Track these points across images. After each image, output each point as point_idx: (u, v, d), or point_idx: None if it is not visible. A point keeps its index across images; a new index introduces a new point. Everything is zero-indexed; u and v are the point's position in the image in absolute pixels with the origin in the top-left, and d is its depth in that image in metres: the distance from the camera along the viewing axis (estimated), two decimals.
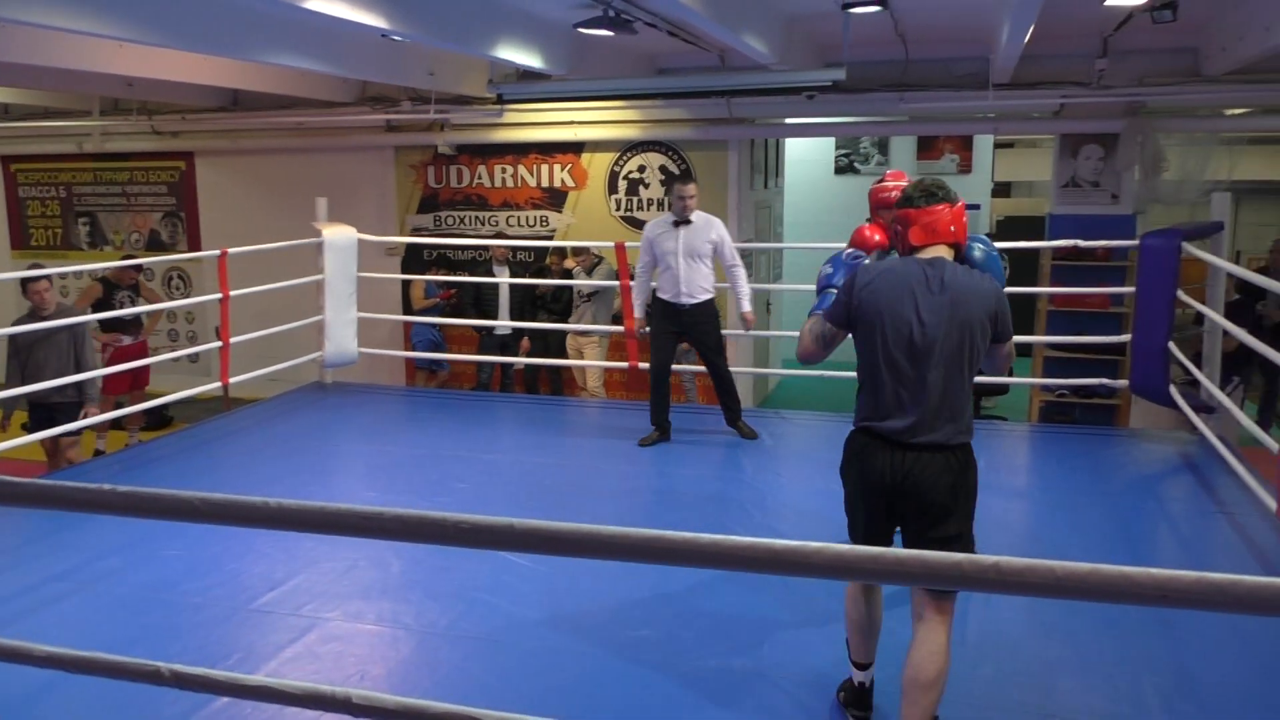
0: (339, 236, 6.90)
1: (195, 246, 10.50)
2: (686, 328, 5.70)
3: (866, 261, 3.03)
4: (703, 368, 8.76)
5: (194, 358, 9.46)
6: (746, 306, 5.77)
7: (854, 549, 1.44)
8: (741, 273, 5.76)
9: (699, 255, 5.61)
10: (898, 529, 2.83)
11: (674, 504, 4.88)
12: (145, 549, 4.15)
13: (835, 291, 2.89)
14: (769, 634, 3.43)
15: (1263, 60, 6.51)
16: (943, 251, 2.75)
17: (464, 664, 3.24)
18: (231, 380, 6.30)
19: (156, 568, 3.99)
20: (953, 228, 2.77)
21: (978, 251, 2.90)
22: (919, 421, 2.64)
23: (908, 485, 2.67)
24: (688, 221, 5.60)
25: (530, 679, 3.16)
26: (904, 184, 3.19)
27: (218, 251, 6.29)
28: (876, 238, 3.38)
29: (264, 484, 5.10)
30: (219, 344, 6.32)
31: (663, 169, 8.98)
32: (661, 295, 5.69)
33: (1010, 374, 9.49)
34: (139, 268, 8.28)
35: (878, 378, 2.71)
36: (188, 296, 10.52)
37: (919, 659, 2.61)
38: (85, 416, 5.86)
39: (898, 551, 1.41)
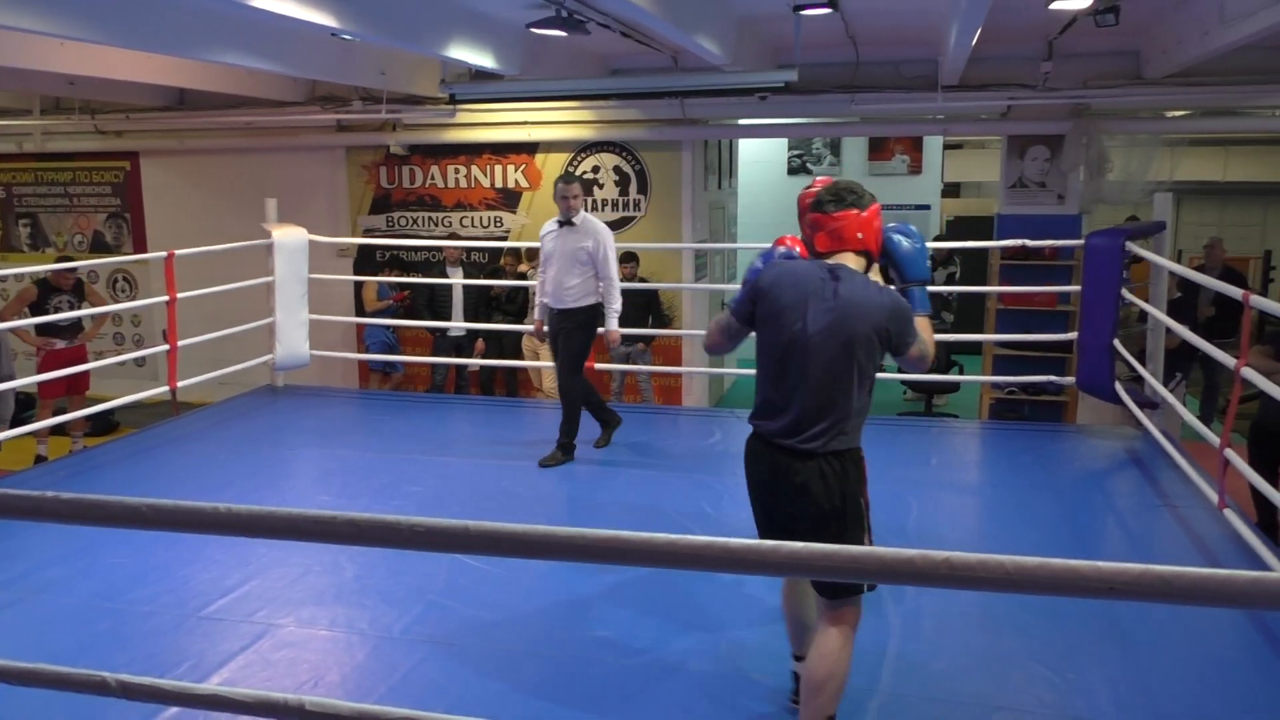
0: (289, 238, 6.81)
1: (141, 248, 10.30)
2: (556, 333, 5.47)
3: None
4: (660, 367, 8.77)
5: (141, 361, 9.28)
6: (612, 324, 5.49)
7: (809, 547, 1.45)
8: (614, 289, 5.44)
9: (574, 260, 5.34)
10: None
11: (630, 505, 4.88)
12: (90, 557, 4.06)
13: None
14: (726, 633, 3.44)
15: (1202, 63, 6.68)
16: (848, 258, 2.71)
17: (420, 668, 3.21)
18: (180, 384, 6.18)
19: (102, 576, 3.90)
20: (860, 234, 2.71)
21: (905, 244, 2.84)
22: (792, 425, 2.64)
23: (781, 490, 2.69)
24: (570, 223, 5.38)
25: (487, 681, 3.15)
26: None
27: (164, 253, 6.17)
28: (797, 250, 3.30)
29: (214, 489, 5.01)
30: (166, 347, 6.21)
31: (617, 169, 8.98)
32: (542, 298, 5.56)
33: (961, 372, 9.67)
34: (83, 271, 8.09)
35: (764, 378, 2.73)
36: (133, 299, 10.32)
37: (810, 662, 2.63)
38: None
39: (851, 549, 1.43)
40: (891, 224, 2.88)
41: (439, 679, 3.16)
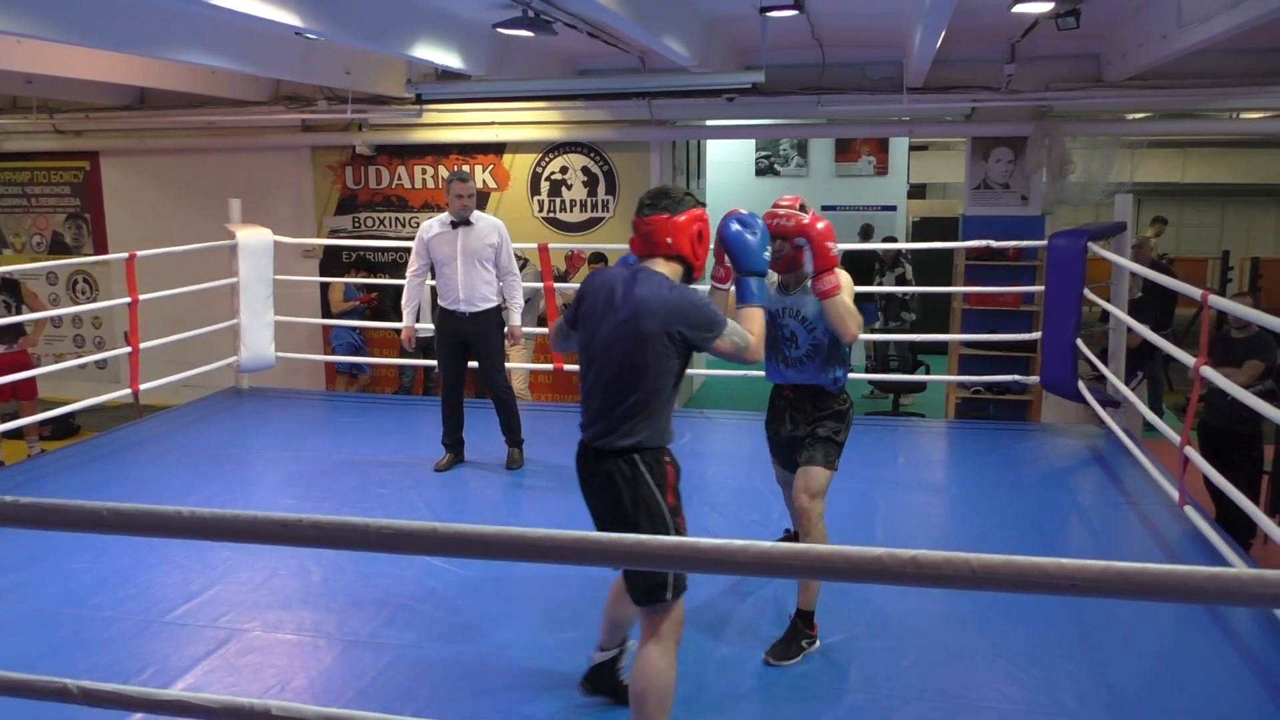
0: (254, 238, 6.74)
1: (102, 249, 10.14)
2: (468, 338, 5.34)
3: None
4: None
5: (102, 364, 9.15)
6: (516, 320, 5.49)
7: (777, 546, 1.45)
8: (516, 282, 5.43)
9: (480, 259, 5.23)
10: None
11: None
12: (50, 563, 3.99)
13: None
14: (693, 635, 3.44)
15: (1161, 67, 6.78)
16: (658, 263, 2.71)
17: (388, 671, 3.19)
18: (142, 387, 6.10)
19: (63, 581, 3.84)
20: (669, 239, 2.69)
21: (739, 234, 2.82)
22: (591, 425, 2.71)
23: (588, 489, 2.78)
24: (467, 222, 5.21)
25: (456, 683, 3.13)
26: (785, 209, 3.28)
27: (126, 255, 6.09)
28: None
29: (177, 493, 4.95)
30: (128, 349, 6.12)
31: (585, 170, 8.97)
32: (442, 303, 5.36)
33: (928, 372, 9.75)
34: (25, 273, 7.92)
35: (581, 379, 2.80)
36: (94, 301, 10.16)
37: (632, 675, 2.62)
38: None
39: (819, 547, 1.44)
40: (733, 213, 2.90)
41: (408, 682, 3.14)
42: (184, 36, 5.86)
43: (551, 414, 6.54)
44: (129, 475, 5.33)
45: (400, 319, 8.10)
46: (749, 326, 2.74)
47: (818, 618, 3.33)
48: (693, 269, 2.76)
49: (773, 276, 3.36)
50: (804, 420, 3.44)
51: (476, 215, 5.28)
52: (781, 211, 3.31)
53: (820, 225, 3.21)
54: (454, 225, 5.24)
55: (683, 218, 2.70)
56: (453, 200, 5.21)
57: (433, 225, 5.32)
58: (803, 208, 3.31)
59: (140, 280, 6.07)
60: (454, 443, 5.51)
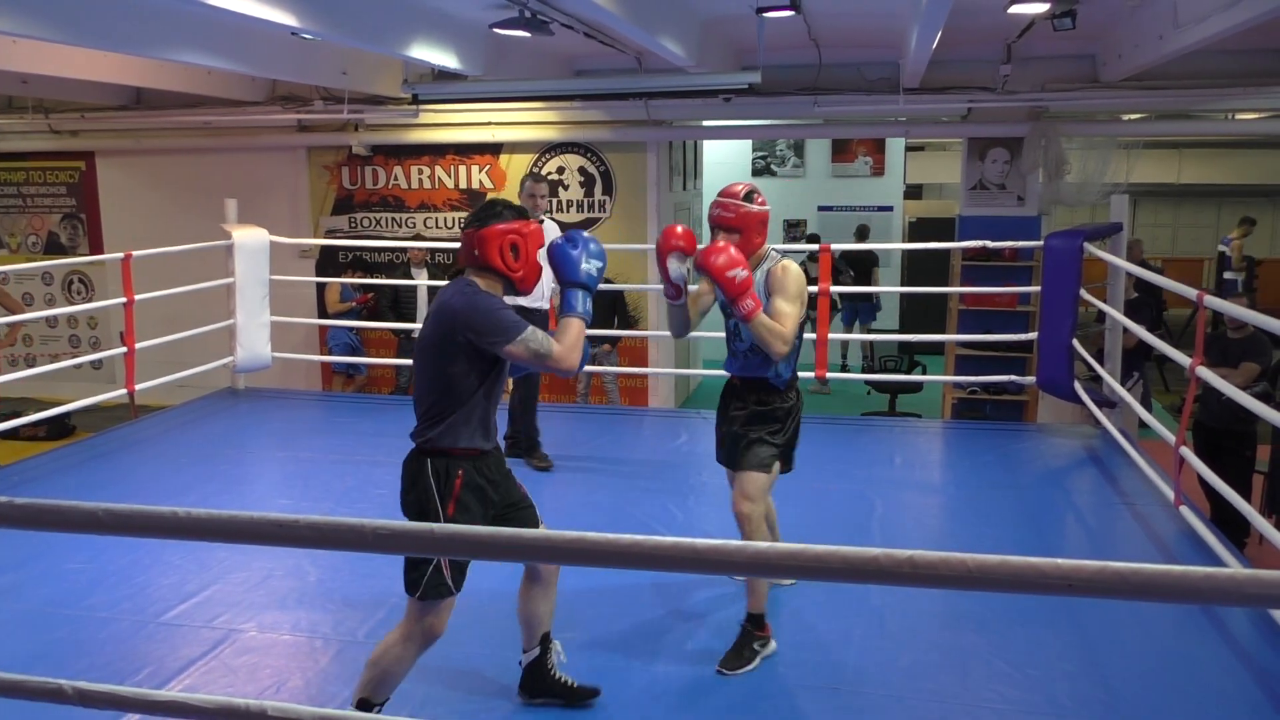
0: (250, 239, 6.74)
1: (97, 249, 10.13)
2: None
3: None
4: (626, 369, 8.75)
5: (98, 364, 9.14)
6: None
7: (773, 547, 1.45)
8: None
9: None
10: None
11: (596, 506, 4.87)
12: (46, 563, 3.99)
13: None
14: (692, 634, 3.45)
15: (1157, 67, 6.79)
16: (471, 272, 2.81)
17: None
18: (138, 387, 6.09)
19: (58, 582, 3.84)
20: (475, 250, 2.77)
21: (563, 250, 2.88)
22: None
23: None
24: (540, 222, 5.39)
25: (453, 685, 3.13)
26: (724, 199, 3.30)
27: (122, 255, 6.07)
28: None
29: (173, 493, 4.94)
30: (124, 349, 6.11)
31: (582, 170, 8.97)
32: (523, 302, 5.12)
33: (924, 372, 9.76)
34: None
35: None
36: (89, 301, 10.14)
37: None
38: None
39: (816, 548, 1.44)
40: (567, 233, 2.95)
41: (404, 684, 3.13)
42: (180, 36, 5.85)
43: (549, 414, 6.53)
44: (125, 476, 5.32)
45: (398, 319, 8.17)
46: (561, 336, 2.77)
47: (812, 616, 3.33)
48: (511, 280, 2.81)
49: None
50: (741, 414, 3.36)
51: (543, 216, 5.33)
52: (720, 201, 3.30)
53: (720, 259, 3.11)
54: None
55: (485, 231, 2.75)
56: (526, 199, 5.22)
57: None
58: (748, 196, 3.28)
59: (136, 280, 6.06)
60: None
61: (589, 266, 2.86)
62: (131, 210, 10.06)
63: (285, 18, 4.89)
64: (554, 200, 9.04)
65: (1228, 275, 13.23)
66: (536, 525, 2.97)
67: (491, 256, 2.75)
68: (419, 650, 2.77)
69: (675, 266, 3.33)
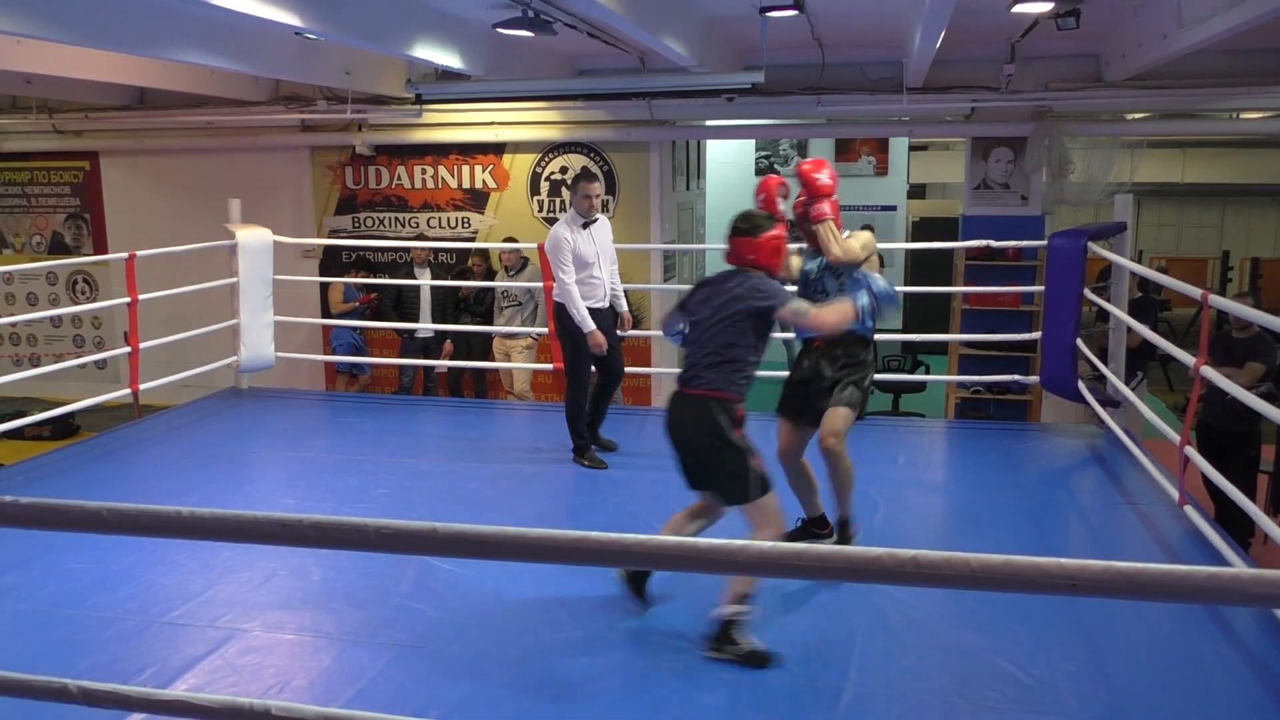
0: (253, 238, 6.74)
1: (101, 249, 10.14)
2: (607, 332, 5.38)
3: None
4: (629, 368, 8.77)
5: (102, 364, 9.14)
6: (625, 306, 5.62)
7: (777, 546, 1.45)
8: (617, 271, 5.57)
9: (611, 256, 5.43)
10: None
11: (600, 506, 4.87)
12: (49, 563, 3.99)
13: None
14: (695, 633, 3.44)
15: (1160, 67, 6.78)
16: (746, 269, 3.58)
17: (388, 672, 3.19)
18: (141, 387, 6.10)
19: (62, 581, 3.84)
20: (751, 256, 3.57)
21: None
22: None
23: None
24: (595, 221, 5.36)
25: (456, 685, 3.13)
26: (815, 178, 3.93)
27: (125, 255, 6.08)
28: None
29: (177, 493, 4.95)
30: (128, 349, 6.12)
31: (585, 170, 8.97)
32: (589, 303, 5.29)
33: (928, 372, 9.75)
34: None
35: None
36: (94, 301, 10.16)
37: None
38: None
39: (820, 548, 1.44)
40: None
41: (407, 682, 3.14)
42: (183, 36, 5.86)
43: (552, 414, 6.53)
44: (128, 475, 5.33)
45: (400, 319, 8.18)
46: (826, 306, 3.62)
47: (815, 615, 3.32)
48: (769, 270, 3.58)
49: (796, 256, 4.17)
50: (832, 366, 3.92)
51: (597, 215, 5.41)
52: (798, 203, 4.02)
53: (805, 165, 3.97)
54: (584, 226, 5.30)
55: (747, 240, 3.58)
56: (580, 200, 5.28)
57: (565, 230, 5.28)
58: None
59: (140, 280, 6.07)
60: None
61: (880, 286, 3.86)
62: (135, 210, 10.07)
63: (289, 18, 4.90)
64: (556, 200, 9.05)
65: None
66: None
67: (765, 257, 3.56)
68: (779, 534, 3.41)
69: (780, 202, 4.00)
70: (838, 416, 3.82)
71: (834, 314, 3.53)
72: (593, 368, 5.45)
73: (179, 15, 5.71)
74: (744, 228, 3.59)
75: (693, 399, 3.46)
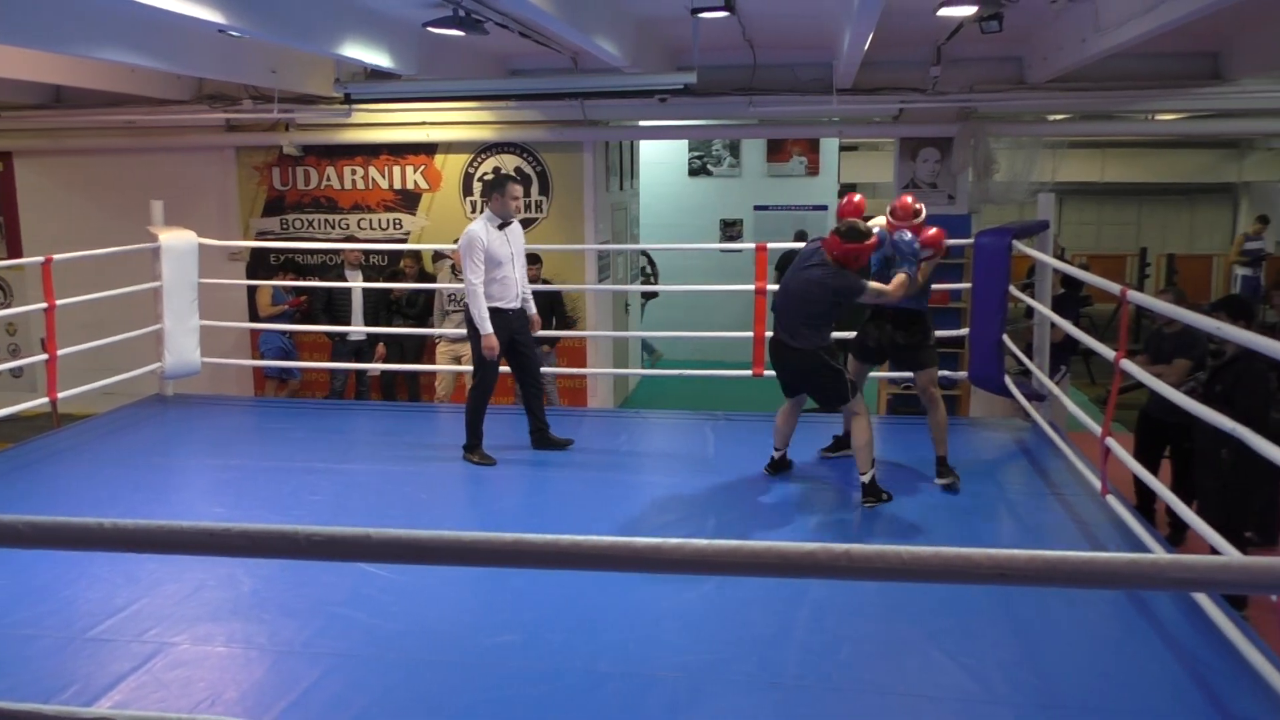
0: (177, 241, 6.58)
1: (16, 253, 9.79)
2: (517, 333, 5.49)
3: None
4: (564, 369, 8.75)
5: (17, 372, 8.81)
6: (534, 309, 5.65)
7: (712, 544, 1.46)
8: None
9: (523, 256, 5.54)
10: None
11: (537, 508, 4.85)
12: None
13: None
14: (634, 633, 3.45)
15: (1080, 69, 6.98)
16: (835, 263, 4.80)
17: (323, 681, 3.14)
18: (60, 395, 5.91)
19: None
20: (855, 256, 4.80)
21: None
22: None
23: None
24: (509, 223, 5.44)
25: (392, 692, 3.09)
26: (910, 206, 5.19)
27: (41, 258, 5.89)
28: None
29: (99, 504, 4.81)
30: (45, 356, 5.92)
31: (518, 171, 8.92)
32: (498, 304, 5.34)
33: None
34: None
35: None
36: (8, 306, 9.81)
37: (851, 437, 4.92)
38: None
39: (753, 544, 1.45)
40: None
41: (342, 691, 3.09)
42: (101, 33, 5.69)
43: (490, 416, 6.49)
44: (47, 487, 5.16)
45: (331, 322, 8.05)
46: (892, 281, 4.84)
47: (751, 613, 3.34)
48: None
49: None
50: (900, 334, 5.16)
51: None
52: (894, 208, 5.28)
53: (932, 231, 5.10)
54: (500, 226, 5.34)
55: (851, 247, 4.73)
56: (508, 202, 5.37)
57: (480, 230, 5.32)
58: (915, 214, 5.16)
59: (57, 285, 5.89)
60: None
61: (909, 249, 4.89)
62: (52, 212, 9.75)
63: (211, 14, 4.78)
64: (488, 201, 8.97)
65: (1242, 272, 13.58)
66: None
67: (849, 261, 4.76)
68: (870, 423, 4.77)
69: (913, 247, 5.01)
70: (926, 374, 5.17)
71: (898, 286, 4.75)
72: (505, 369, 5.53)
73: (97, 11, 5.55)
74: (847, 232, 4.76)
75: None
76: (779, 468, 5.16)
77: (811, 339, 4.74)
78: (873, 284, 4.81)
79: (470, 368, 7.43)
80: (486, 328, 5.27)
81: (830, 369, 4.78)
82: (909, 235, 4.89)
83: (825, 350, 4.77)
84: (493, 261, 5.30)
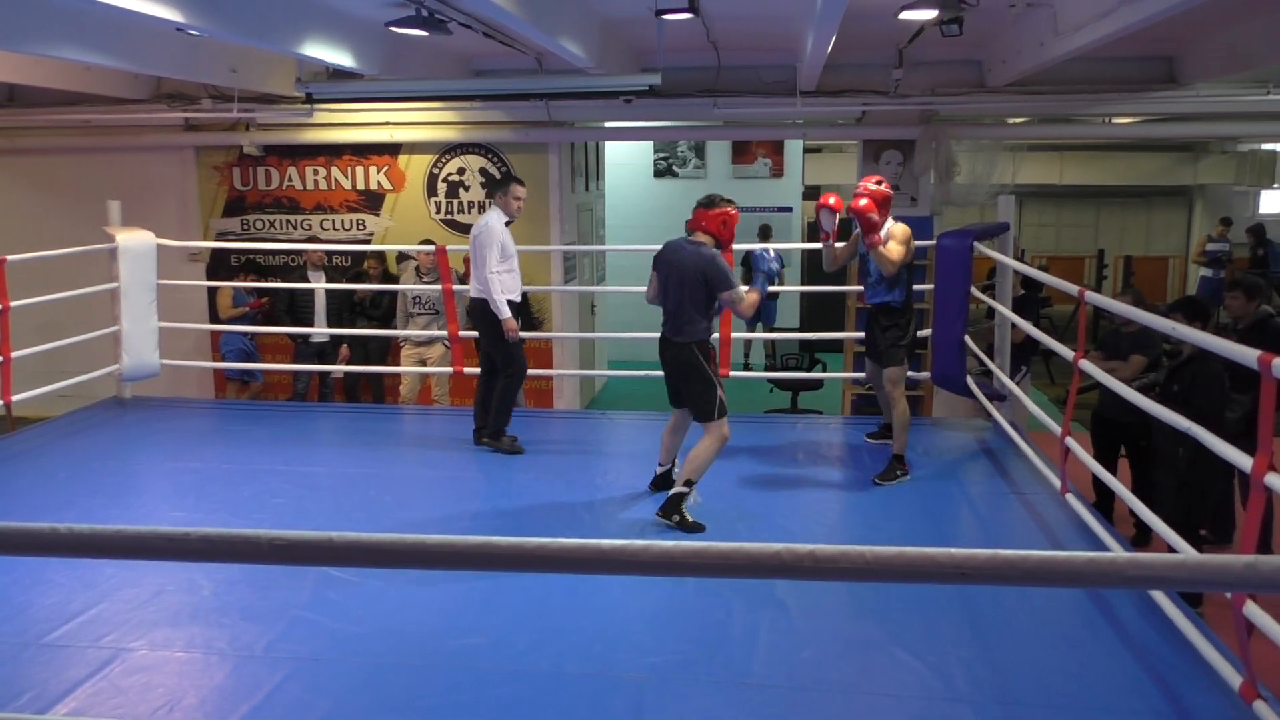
0: (135, 242, 6.48)
1: None
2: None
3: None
4: (530, 370, 8.70)
5: None
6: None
7: (679, 546, 1.46)
8: None
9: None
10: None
11: (502, 510, 4.84)
12: None
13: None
14: (600, 635, 3.45)
15: (1039, 73, 7.07)
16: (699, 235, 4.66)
17: (285, 686, 3.10)
18: (15, 398, 5.80)
19: None
20: (702, 223, 4.66)
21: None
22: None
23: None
24: (511, 221, 5.71)
25: (356, 695, 3.07)
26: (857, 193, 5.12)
27: None
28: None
29: (55, 509, 4.72)
30: None
31: (483, 171, 8.89)
32: (512, 297, 5.60)
33: (825, 369, 9.96)
34: None
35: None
36: None
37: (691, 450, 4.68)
38: None
39: (721, 546, 1.45)
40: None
41: (305, 696, 3.06)
42: (56, 31, 5.58)
43: (452, 417, 6.45)
44: (1, 491, 5.06)
45: (294, 323, 7.96)
46: (748, 296, 4.59)
47: (717, 613, 3.36)
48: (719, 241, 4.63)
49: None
50: (878, 329, 5.33)
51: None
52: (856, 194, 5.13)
53: (862, 203, 5.03)
54: (507, 224, 5.62)
55: (713, 212, 4.60)
56: (511, 202, 5.62)
57: (497, 222, 5.57)
58: (878, 182, 5.17)
59: (11, 286, 5.78)
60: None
61: (773, 265, 4.65)
62: (6, 213, 9.54)
63: (169, 13, 4.71)
64: (454, 202, 8.95)
65: (1203, 273, 13.80)
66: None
67: (714, 228, 4.61)
68: (720, 448, 4.56)
69: (826, 217, 5.34)
70: (886, 375, 5.24)
71: (750, 304, 4.58)
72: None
73: (51, 8, 5.44)
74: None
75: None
76: (661, 484, 4.83)
77: (691, 332, 4.54)
78: (740, 288, 4.57)
79: (434, 369, 7.43)
80: (506, 312, 5.50)
81: (703, 376, 4.55)
82: (771, 253, 4.68)
83: (701, 349, 4.55)
84: (505, 254, 5.54)
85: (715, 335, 5.26)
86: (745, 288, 4.61)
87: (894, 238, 5.14)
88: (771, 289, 9.18)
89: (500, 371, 5.65)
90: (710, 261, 4.48)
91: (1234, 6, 6.01)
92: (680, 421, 4.85)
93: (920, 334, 6.90)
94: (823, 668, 3.23)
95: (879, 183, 5.18)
